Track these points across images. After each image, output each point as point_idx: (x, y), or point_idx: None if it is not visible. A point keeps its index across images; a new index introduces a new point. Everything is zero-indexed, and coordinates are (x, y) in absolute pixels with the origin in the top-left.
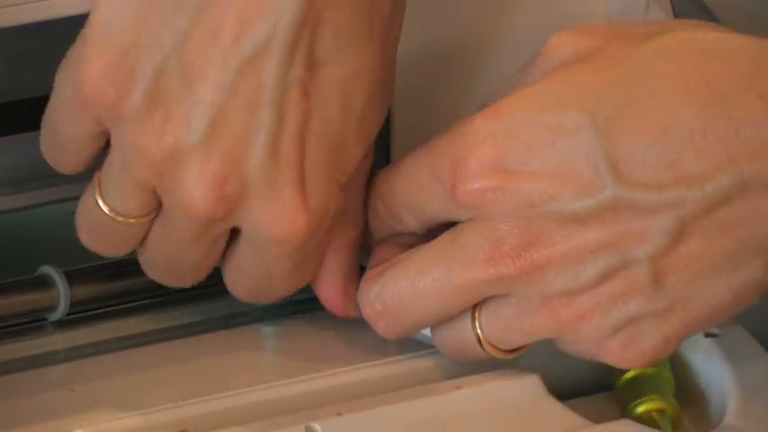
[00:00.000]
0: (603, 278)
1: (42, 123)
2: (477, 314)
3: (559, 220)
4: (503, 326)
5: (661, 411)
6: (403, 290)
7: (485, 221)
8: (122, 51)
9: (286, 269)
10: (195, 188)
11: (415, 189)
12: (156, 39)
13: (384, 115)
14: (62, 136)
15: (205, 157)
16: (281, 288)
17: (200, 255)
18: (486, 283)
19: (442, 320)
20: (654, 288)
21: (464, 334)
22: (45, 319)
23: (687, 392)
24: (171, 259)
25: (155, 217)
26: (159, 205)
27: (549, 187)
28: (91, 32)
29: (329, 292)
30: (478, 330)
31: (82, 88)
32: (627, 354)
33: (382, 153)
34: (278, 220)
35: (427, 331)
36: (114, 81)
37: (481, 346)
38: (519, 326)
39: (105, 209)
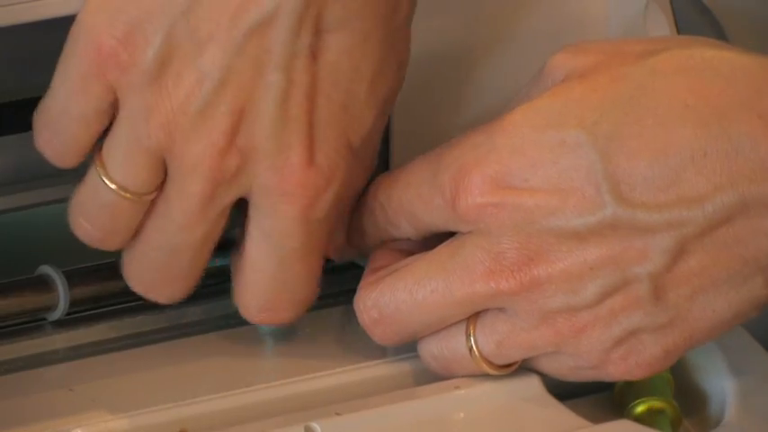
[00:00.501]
0: (604, 295)
1: (40, 115)
2: (471, 328)
3: (560, 237)
4: (499, 339)
5: (660, 411)
6: (401, 299)
7: (485, 235)
8: (133, 16)
9: (299, 240)
10: (206, 143)
11: (414, 198)
12: (163, 4)
13: (399, 80)
14: (67, 115)
15: (215, 114)
16: (299, 273)
17: (202, 233)
18: (485, 296)
19: (434, 331)
20: (654, 303)
21: (455, 347)
22: (44, 319)
23: (686, 392)
24: (170, 246)
25: (156, 198)
26: (163, 183)
27: (550, 203)
28: None
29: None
30: (473, 344)
31: (98, 51)
32: (628, 365)
33: (382, 156)
34: (285, 175)
35: None
36: (127, 45)
37: (473, 360)
38: (516, 340)
39: (112, 186)
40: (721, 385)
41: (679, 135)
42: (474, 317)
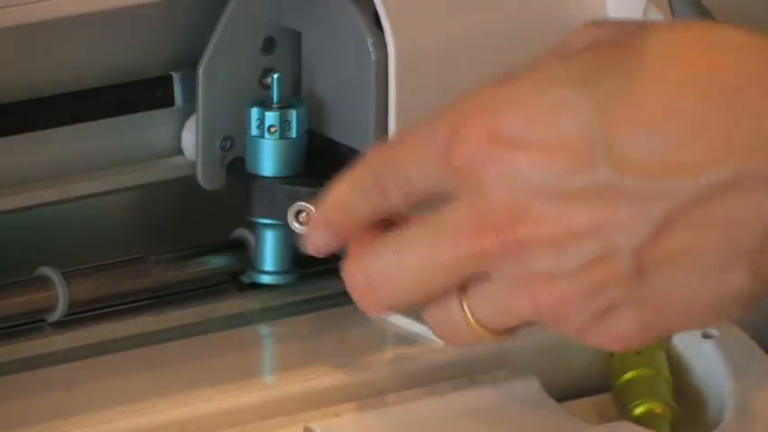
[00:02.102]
0: (585, 265)
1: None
2: (463, 296)
3: (548, 197)
4: (487, 304)
5: (659, 413)
6: (388, 264)
7: (472, 194)
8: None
9: None
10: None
11: (406, 154)
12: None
13: None
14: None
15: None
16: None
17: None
18: (470, 258)
19: (426, 298)
20: (634, 279)
21: (452, 315)
22: (43, 320)
23: (685, 394)
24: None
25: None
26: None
27: (541, 159)
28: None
29: None
30: (466, 310)
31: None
32: (603, 338)
33: None
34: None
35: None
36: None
37: (470, 328)
38: (502, 305)
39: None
40: (720, 387)
41: (680, 103)
42: (464, 286)
